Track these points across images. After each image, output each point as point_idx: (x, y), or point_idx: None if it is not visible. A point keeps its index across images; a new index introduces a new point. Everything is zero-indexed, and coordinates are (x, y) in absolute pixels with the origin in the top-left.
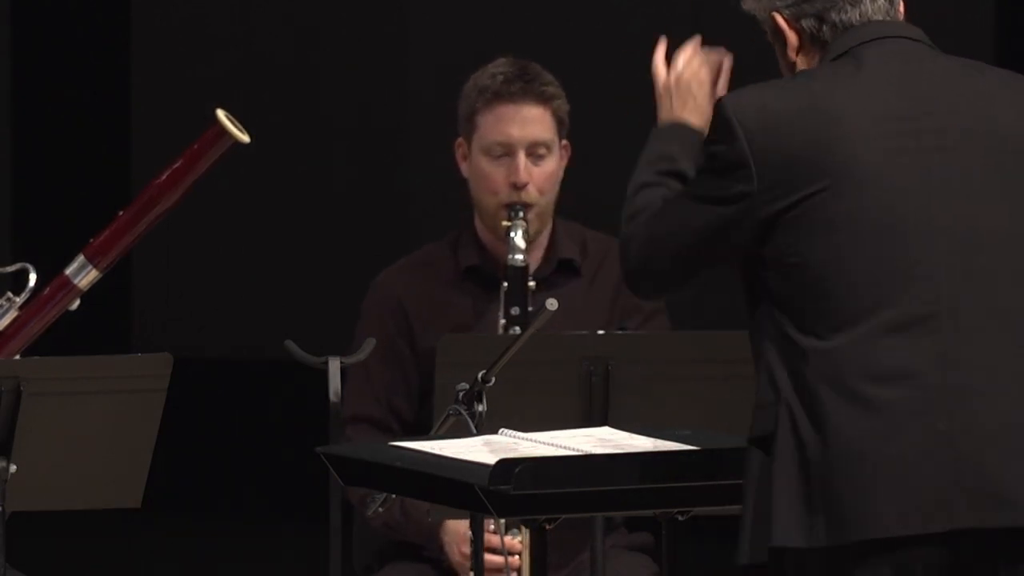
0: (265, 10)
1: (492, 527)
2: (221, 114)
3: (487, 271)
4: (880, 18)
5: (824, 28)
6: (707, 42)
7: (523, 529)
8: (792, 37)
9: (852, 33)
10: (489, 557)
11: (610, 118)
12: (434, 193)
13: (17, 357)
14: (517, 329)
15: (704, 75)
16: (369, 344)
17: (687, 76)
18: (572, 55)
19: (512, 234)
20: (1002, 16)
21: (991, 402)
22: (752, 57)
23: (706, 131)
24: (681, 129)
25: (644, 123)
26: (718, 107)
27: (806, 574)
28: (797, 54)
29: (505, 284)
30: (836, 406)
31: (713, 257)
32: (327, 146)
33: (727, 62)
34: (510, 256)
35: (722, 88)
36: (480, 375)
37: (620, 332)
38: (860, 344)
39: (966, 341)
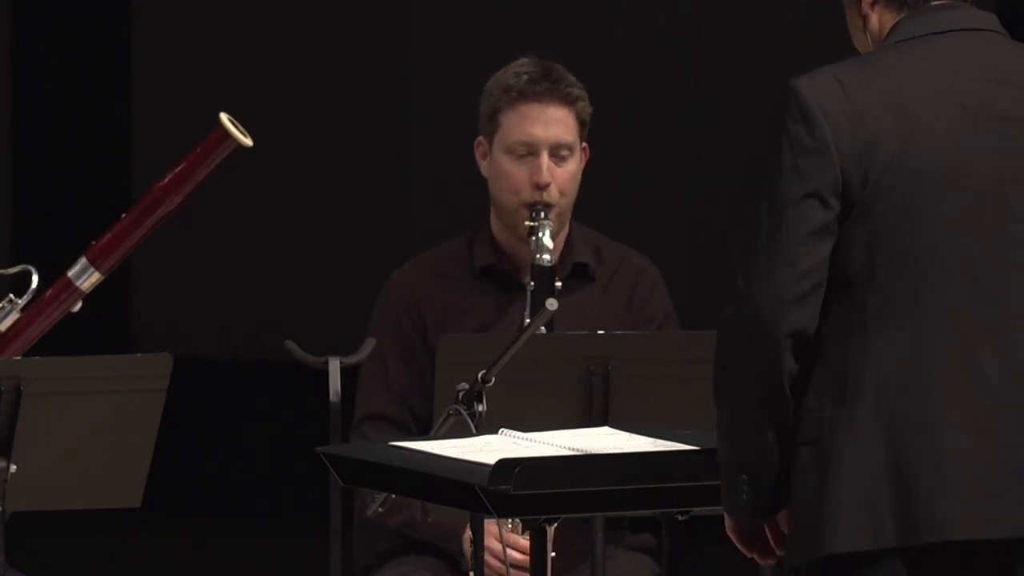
0: (266, 12)
1: (509, 526)
2: (224, 117)
3: (502, 270)
4: None
5: None
6: (707, 42)
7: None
8: None
9: (933, 15)
10: (512, 555)
11: (610, 118)
12: (434, 194)
13: (17, 357)
14: (543, 330)
15: None
16: (369, 344)
17: None
18: (573, 55)
19: (540, 234)
20: (1003, 12)
21: None
22: (752, 57)
23: None
24: None
25: (645, 123)
26: (792, 92)
27: None
28: (872, 8)
29: (531, 284)
30: (900, 408)
31: (823, 250)
32: (327, 147)
33: None
34: (537, 256)
35: None
36: (480, 375)
37: (620, 332)
38: (926, 346)
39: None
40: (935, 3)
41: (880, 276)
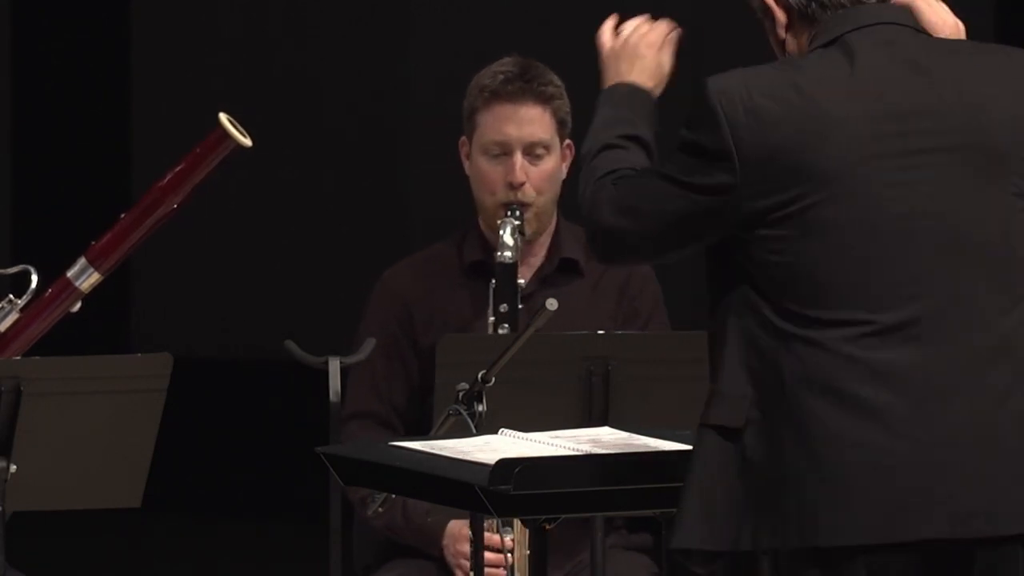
0: (266, 12)
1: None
2: (223, 118)
3: (490, 267)
4: None
5: (813, 5)
6: (707, 43)
7: (515, 527)
8: (780, 15)
9: (843, 17)
10: (485, 555)
11: None
12: (434, 193)
13: (17, 358)
14: (506, 327)
15: (652, 38)
16: (369, 344)
17: (634, 40)
18: (572, 55)
19: (501, 232)
20: (1002, 13)
21: (971, 410)
22: (752, 57)
23: (656, 92)
24: (631, 90)
25: None
26: (701, 91)
27: (768, 574)
28: (787, 32)
29: (493, 282)
30: (816, 406)
31: (687, 240)
32: (327, 147)
33: (675, 33)
34: (498, 254)
35: (666, 56)
36: (480, 375)
37: (620, 332)
38: (843, 346)
39: (948, 348)
40: (843, 10)
41: (797, 275)
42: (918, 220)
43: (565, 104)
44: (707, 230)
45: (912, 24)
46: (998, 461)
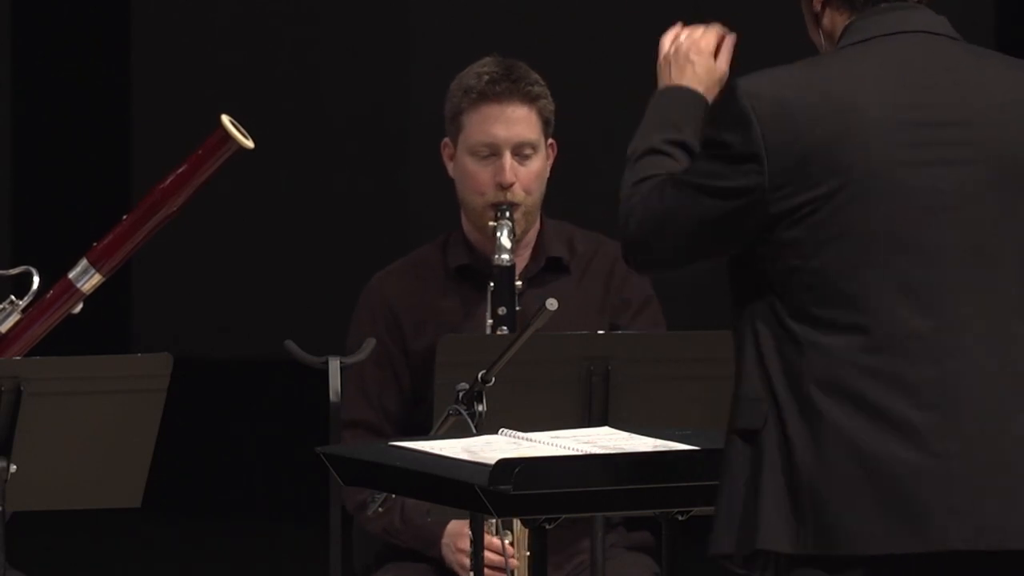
0: (266, 12)
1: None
2: (225, 119)
3: (476, 270)
4: None
5: None
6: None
7: (514, 530)
8: None
9: (878, 19)
10: (486, 556)
11: (610, 118)
12: (434, 194)
13: (17, 358)
14: (505, 329)
15: (704, 45)
16: (369, 344)
17: (685, 45)
18: (573, 55)
19: (498, 234)
20: (1002, 13)
21: (986, 423)
22: (753, 59)
23: (709, 96)
24: (682, 93)
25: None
26: (731, 92)
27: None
28: (823, 7)
29: (492, 284)
30: (832, 413)
31: (716, 247)
32: (328, 147)
33: (730, 38)
34: (496, 256)
35: (723, 63)
36: (480, 375)
37: (620, 332)
38: (861, 354)
39: (964, 358)
40: (884, 5)
41: (815, 280)
42: (942, 230)
43: (549, 103)
44: (735, 233)
45: (946, 32)
46: (1010, 476)
